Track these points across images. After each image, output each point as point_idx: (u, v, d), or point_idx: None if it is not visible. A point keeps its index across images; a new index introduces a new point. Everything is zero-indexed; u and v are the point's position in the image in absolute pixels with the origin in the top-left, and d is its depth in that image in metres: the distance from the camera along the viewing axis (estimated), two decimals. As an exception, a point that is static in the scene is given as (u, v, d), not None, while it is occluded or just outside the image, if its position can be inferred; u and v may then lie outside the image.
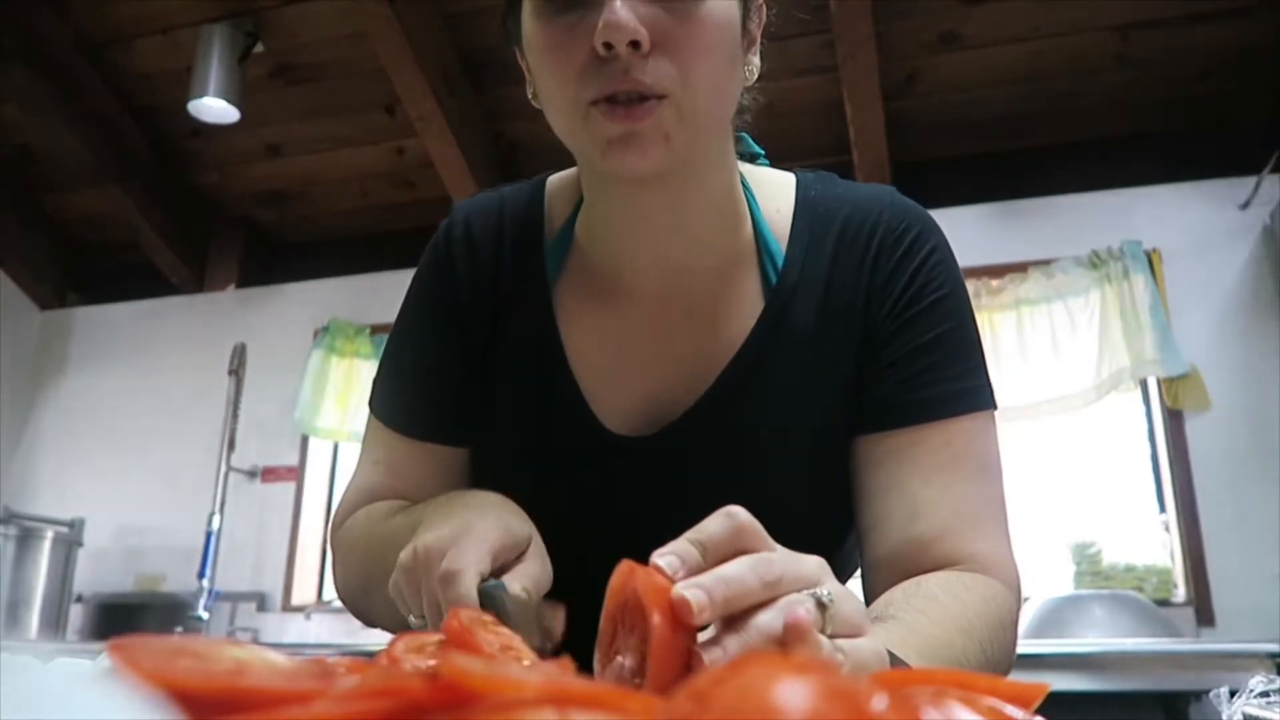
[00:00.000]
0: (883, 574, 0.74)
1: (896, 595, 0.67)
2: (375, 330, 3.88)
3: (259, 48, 3.53)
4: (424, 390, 0.86)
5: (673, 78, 0.66)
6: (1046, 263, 3.26)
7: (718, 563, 0.44)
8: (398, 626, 0.83)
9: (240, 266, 4.25)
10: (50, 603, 3.35)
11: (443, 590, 0.60)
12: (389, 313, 0.92)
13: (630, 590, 0.44)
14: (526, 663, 0.46)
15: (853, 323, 0.78)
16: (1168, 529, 3.11)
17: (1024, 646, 2.00)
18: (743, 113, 0.80)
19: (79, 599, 3.63)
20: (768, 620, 0.43)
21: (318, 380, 3.83)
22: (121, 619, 3.50)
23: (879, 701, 0.25)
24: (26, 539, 3.35)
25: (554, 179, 0.88)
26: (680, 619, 0.41)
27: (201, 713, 0.26)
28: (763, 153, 0.89)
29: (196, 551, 3.35)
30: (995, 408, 0.79)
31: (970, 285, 3.26)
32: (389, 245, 3.97)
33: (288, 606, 3.69)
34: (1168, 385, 3.07)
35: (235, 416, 3.43)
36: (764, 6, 0.77)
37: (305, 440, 3.90)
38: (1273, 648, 2.10)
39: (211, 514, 3.34)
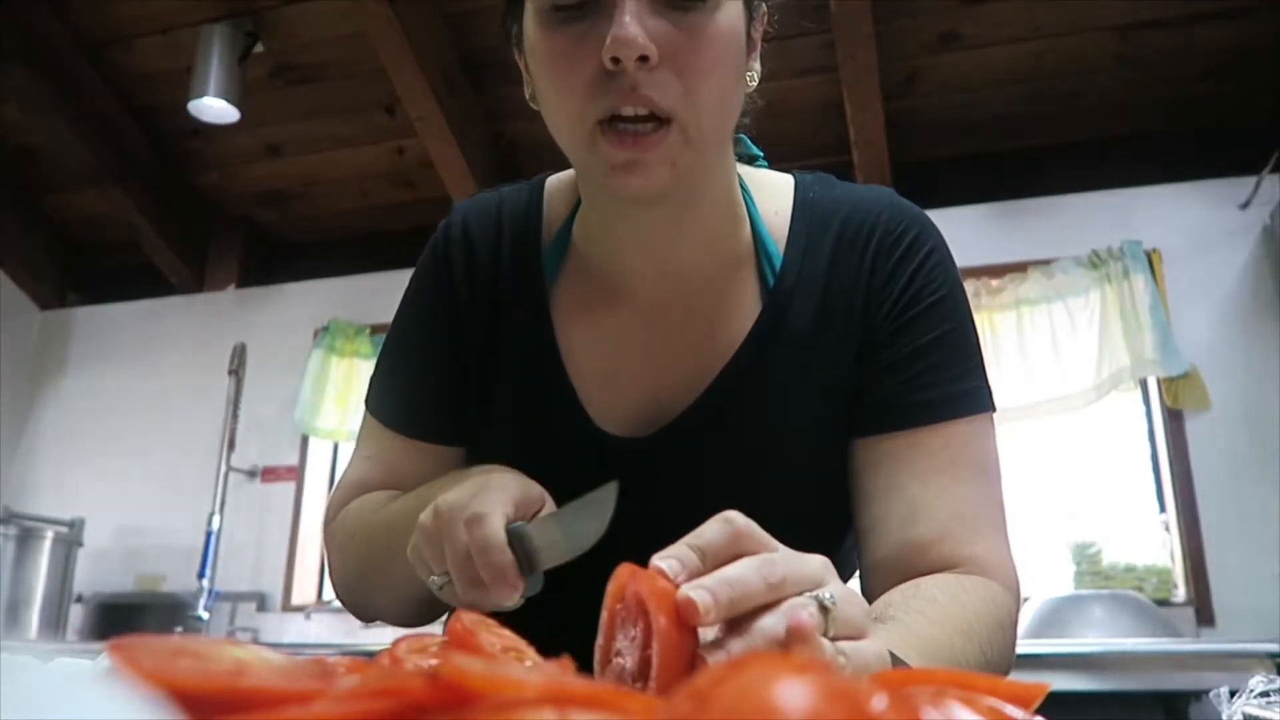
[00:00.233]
0: (881, 576, 0.74)
1: (895, 597, 0.67)
2: (375, 330, 3.88)
3: (259, 48, 3.53)
4: (420, 389, 0.86)
5: (679, 96, 0.66)
6: (1046, 263, 3.26)
7: (716, 568, 0.44)
8: (395, 616, 0.83)
9: (240, 266, 4.25)
10: (50, 603, 3.35)
11: (470, 531, 0.60)
12: (389, 313, 0.92)
13: (631, 592, 0.44)
14: (528, 663, 0.46)
15: (851, 324, 0.78)
16: (1168, 529, 3.11)
17: (1024, 646, 2.00)
18: (743, 115, 0.79)
19: (79, 599, 3.63)
20: (771, 624, 0.43)
21: (318, 380, 3.82)
22: (121, 619, 3.49)
23: (879, 701, 0.25)
24: (26, 539, 3.35)
25: (553, 180, 0.88)
26: (686, 621, 0.41)
27: (201, 713, 0.26)
28: (761, 154, 0.89)
29: (196, 551, 3.35)
30: (994, 410, 0.78)
31: (970, 285, 3.28)
32: (389, 245, 3.97)
33: (288, 606, 3.69)
34: (1168, 385, 3.07)
35: (235, 416, 3.43)
36: (766, 12, 0.77)
37: (305, 440, 3.90)
38: (1273, 648, 2.10)
39: (211, 514, 3.34)
